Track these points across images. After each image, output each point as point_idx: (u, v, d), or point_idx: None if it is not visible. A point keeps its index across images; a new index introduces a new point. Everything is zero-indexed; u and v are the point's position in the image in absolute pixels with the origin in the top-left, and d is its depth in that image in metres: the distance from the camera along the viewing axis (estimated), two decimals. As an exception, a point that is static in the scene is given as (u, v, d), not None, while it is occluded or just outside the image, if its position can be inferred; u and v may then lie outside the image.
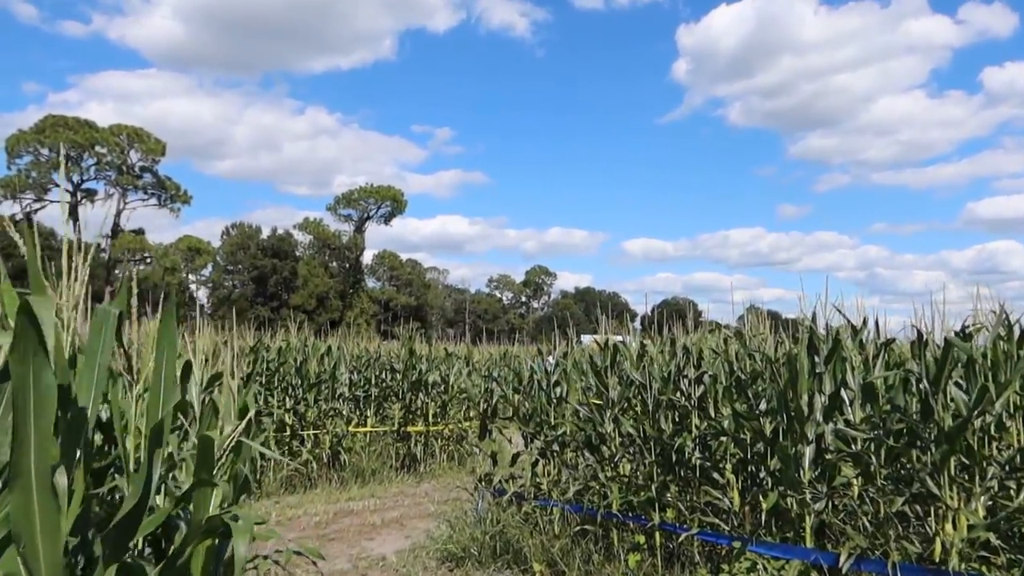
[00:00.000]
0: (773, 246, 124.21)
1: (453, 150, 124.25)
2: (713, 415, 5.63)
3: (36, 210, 55.22)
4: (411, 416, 11.61)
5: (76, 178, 54.72)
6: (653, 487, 5.63)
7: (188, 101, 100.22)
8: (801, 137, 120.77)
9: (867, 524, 4.61)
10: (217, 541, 2.31)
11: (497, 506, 6.64)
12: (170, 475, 2.83)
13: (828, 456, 4.82)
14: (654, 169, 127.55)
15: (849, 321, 5.56)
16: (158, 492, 2.43)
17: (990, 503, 4.39)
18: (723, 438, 5.44)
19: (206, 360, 4.03)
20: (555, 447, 6.67)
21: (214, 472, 2.21)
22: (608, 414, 6.15)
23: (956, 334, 4.67)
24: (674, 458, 5.71)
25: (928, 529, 4.54)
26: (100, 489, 2.35)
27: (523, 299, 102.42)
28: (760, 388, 5.46)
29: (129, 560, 1.88)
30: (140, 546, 2.44)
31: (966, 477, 4.53)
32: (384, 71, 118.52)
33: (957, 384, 4.57)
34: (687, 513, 5.43)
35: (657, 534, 5.54)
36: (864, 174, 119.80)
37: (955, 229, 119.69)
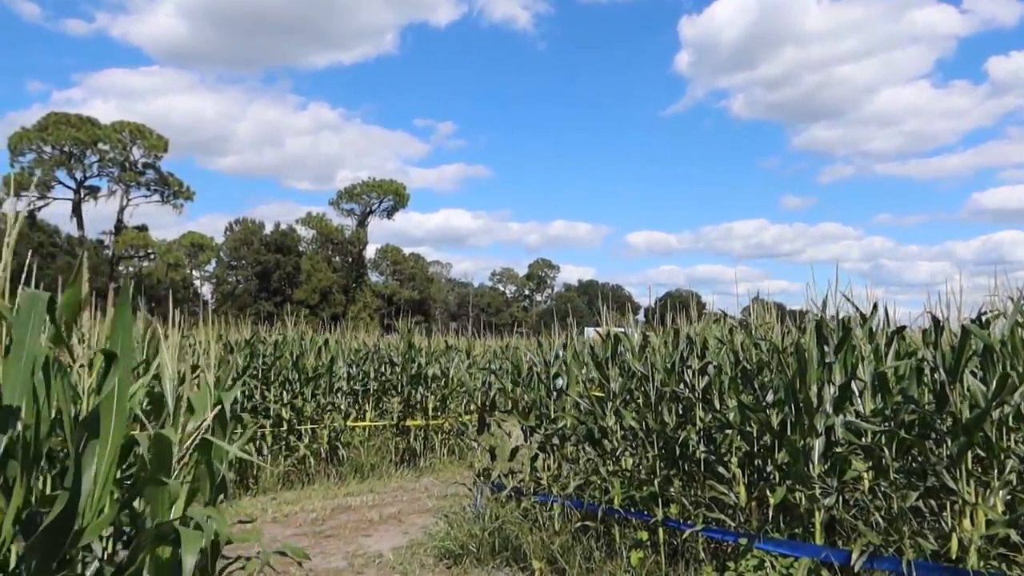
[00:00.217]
0: (777, 238, 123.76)
1: (456, 144, 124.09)
2: (718, 407, 5.43)
3: (40, 208, 55.21)
4: (410, 410, 11.43)
5: (79, 175, 54.63)
6: (656, 482, 5.44)
7: (191, 98, 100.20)
8: (804, 128, 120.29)
9: (880, 520, 4.42)
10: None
11: (496, 502, 6.47)
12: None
13: (838, 449, 4.62)
14: (657, 161, 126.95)
15: (859, 309, 5.35)
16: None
17: (1009, 497, 4.19)
18: (728, 431, 5.24)
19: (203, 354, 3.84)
20: (555, 441, 6.49)
21: (176, 472, 2.02)
22: (609, 407, 5.96)
23: (972, 322, 4.46)
24: (678, 452, 5.52)
25: (944, 525, 4.34)
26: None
27: (526, 292, 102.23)
28: (767, 379, 5.27)
29: (67, 572, 1.69)
30: (102, 554, 2.25)
31: (980, 470, 4.34)
32: (386, 66, 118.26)
33: (973, 374, 4.37)
34: (691, 509, 5.23)
35: (660, 530, 5.35)
36: (868, 165, 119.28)
37: (960, 220, 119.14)
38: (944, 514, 4.36)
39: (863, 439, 4.56)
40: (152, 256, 61.14)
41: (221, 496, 3.26)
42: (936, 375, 4.43)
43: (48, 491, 1.95)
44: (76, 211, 55.05)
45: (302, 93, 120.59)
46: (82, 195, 54.95)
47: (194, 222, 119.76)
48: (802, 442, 4.65)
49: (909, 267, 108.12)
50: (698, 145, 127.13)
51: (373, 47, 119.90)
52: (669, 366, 5.76)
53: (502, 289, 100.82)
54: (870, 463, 4.58)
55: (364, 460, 10.27)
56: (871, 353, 5.11)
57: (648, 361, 5.86)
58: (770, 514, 4.82)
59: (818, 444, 4.65)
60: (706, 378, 5.52)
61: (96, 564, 1.92)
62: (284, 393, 9.99)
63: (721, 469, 5.23)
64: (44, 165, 52.27)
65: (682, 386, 5.62)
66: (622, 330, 6.59)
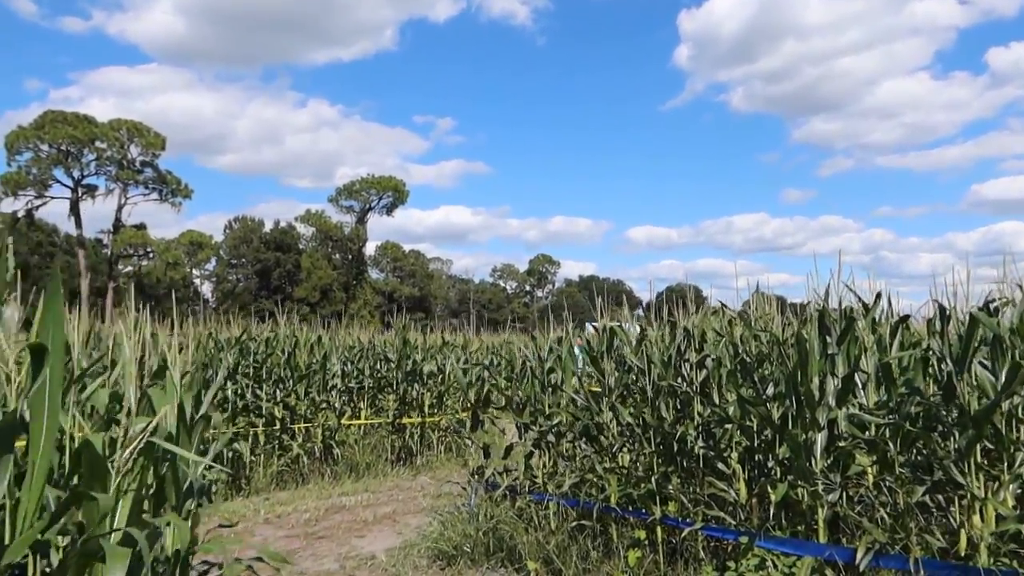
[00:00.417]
0: (777, 231, 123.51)
1: (455, 140, 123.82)
2: (717, 401, 5.26)
3: (38, 207, 55.06)
4: (406, 407, 11.26)
5: (76, 174, 54.44)
6: (654, 479, 5.27)
7: (189, 96, 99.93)
8: (804, 122, 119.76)
9: (885, 516, 4.25)
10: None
11: (490, 501, 6.31)
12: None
13: (841, 443, 4.46)
14: (657, 156, 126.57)
15: (861, 299, 5.18)
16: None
17: (1020, 492, 4.03)
18: (728, 425, 5.07)
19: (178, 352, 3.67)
20: (550, 437, 6.32)
21: (118, 479, 1.86)
22: (605, 402, 5.79)
23: (980, 310, 4.28)
24: (676, 448, 5.35)
25: (952, 521, 4.18)
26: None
27: (527, 288, 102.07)
28: (767, 371, 5.10)
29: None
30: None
31: (987, 463, 4.17)
32: (385, 62, 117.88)
33: (981, 364, 4.20)
34: (690, 506, 5.06)
35: (659, 529, 5.19)
36: (868, 158, 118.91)
37: (961, 211, 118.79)
38: (952, 509, 4.19)
39: (867, 432, 4.39)
40: (151, 255, 61.00)
41: (191, 502, 3.09)
42: (943, 365, 4.27)
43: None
44: (74, 210, 54.89)
45: (301, 90, 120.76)
46: (80, 194, 54.78)
47: (194, 221, 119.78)
48: (804, 436, 4.48)
49: (910, 259, 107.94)
50: (698, 139, 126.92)
51: (372, 43, 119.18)
52: (666, 359, 5.59)
53: (503, 285, 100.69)
54: (874, 457, 4.42)
55: (359, 459, 10.10)
56: (874, 344, 4.95)
57: (644, 355, 5.69)
58: (771, 511, 4.66)
59: (820, 438, 4.48)
60: (704, 371, 5.35)
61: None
62: (277, 391, 9.82)
63: (720, 465, 5.06)
64: (41, 164, 52.10)
65: (679, 380, 5.45)
66: (617, 324, 6.43)
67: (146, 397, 2.70)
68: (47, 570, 1.81)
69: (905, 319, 4.93)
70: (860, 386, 4.79)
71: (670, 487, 5.24)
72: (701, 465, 5.26)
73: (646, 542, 5.25)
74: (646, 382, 5.64)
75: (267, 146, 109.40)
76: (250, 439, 9.35)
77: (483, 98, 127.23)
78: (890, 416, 4.31)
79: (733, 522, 4.78)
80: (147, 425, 1.95)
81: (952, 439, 4.10)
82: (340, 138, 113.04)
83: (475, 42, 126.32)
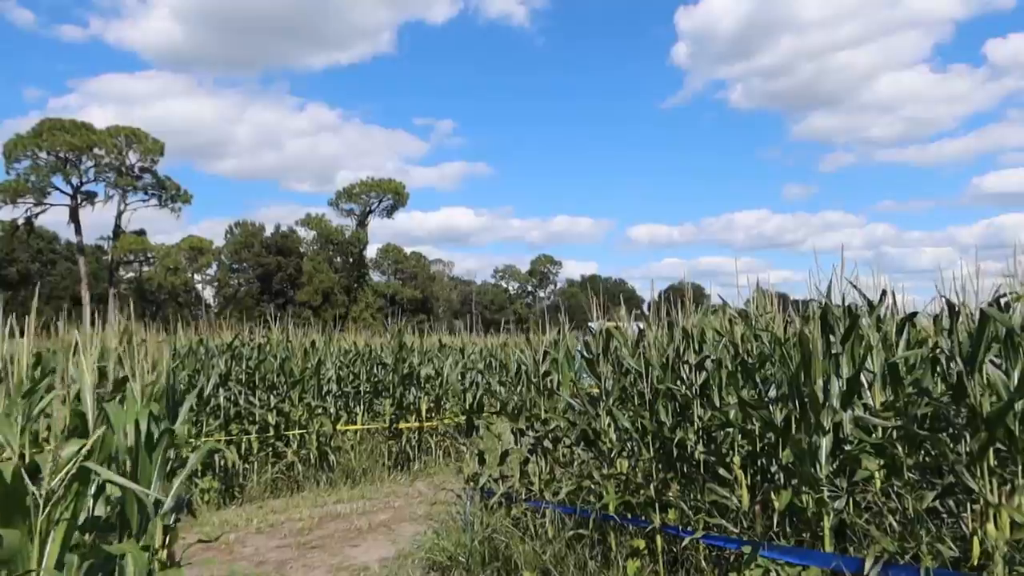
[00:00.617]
0: (779, 228, 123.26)
1: (455, 142, 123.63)
2: (717, 404, 5.07)
3: (37, 214, 55.00)
4: (403, 412, 11.06)
5: (75, 181, 54.35)
6: (653, 485, 5.09)
7: (188, 101, 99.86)
8: (804, 117, 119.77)
9: (894, 524, 4.06)
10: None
11: (486, 509, 6.12)
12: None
13: (847, 447, 4.26)
14: (657, 154, 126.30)
15: (865, 296, 4.99)
16: None
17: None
18: (729, 429, 4.89)
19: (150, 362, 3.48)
20: (547, 443, 6.13)
21: (47, 508, 1.67)
22: (602, 406, 5.60)
23: (990, 305, 4.09)
24: (675, 453, 5.16)
25: (964, 528, 3.98)
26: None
27: (529, 288, 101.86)
28: (769, 373, 4.91)
29: None
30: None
31: (996, 464, 3.98)
32: (384, 65, 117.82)
33: (992, 362, 4.00)
34: (691, 514, 4.87)
35: (658, 538, 5.00)
36: (869, 152, 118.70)
37: (962, 205, 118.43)
38: (964, 516, 4.00)
39: (873, 436, 4.20)
40: (151, 261, 60.94)
41: (160, 520, 2.91)
42: (952, 365, 4.08)
43: None
44: (74, 217, 54.81)
45: (300, 94, 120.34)
46: (79, 201, 54.71)
47: (196, 226, 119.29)
48: (808, 440, 4.29)
49: (912, 254, 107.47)
50: (698, 137, 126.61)
51: (370, 46, 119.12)
52: (665, 361, 5.40)
53: (505, 286, 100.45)
54: (882, 462, 4.23)
55: (355, 465, 9.92)
56: (879, 342, 4.76)
57: (641, 357, 5.50)
58: (775, 519, 4.47)
59: (825, 442, 4.29)
60: (704, 373, 5.16)
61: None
62: (270, 397, 9.64)
63: (722, 471, 4.86)
64: (40, 171, 52.03)
65: (678, 383, 5.26)
66: (614, 325, 6.24)
67: (103, 412, 2.52)
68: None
69: (912, 316, 4.74)
70: (866, 387, 4.61)
71: (670, 494, 5.05)
72: (702, 471, 5.07)
73: (646, 551, 5.06)
74: (644, 385, 5.45)
75: (267, 151, 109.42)
76: (243, 446, 9.17)
77: (483, 99, 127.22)
78: (898, 418, 4.12)
79: (736, 530, 4.60)
80: (80, 448, 1.78)
81: (963, 442, 3.91)
82: (340, 142, 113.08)
83: (473, 43, 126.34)
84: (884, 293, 5.01)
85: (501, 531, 5.77)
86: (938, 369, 4.37)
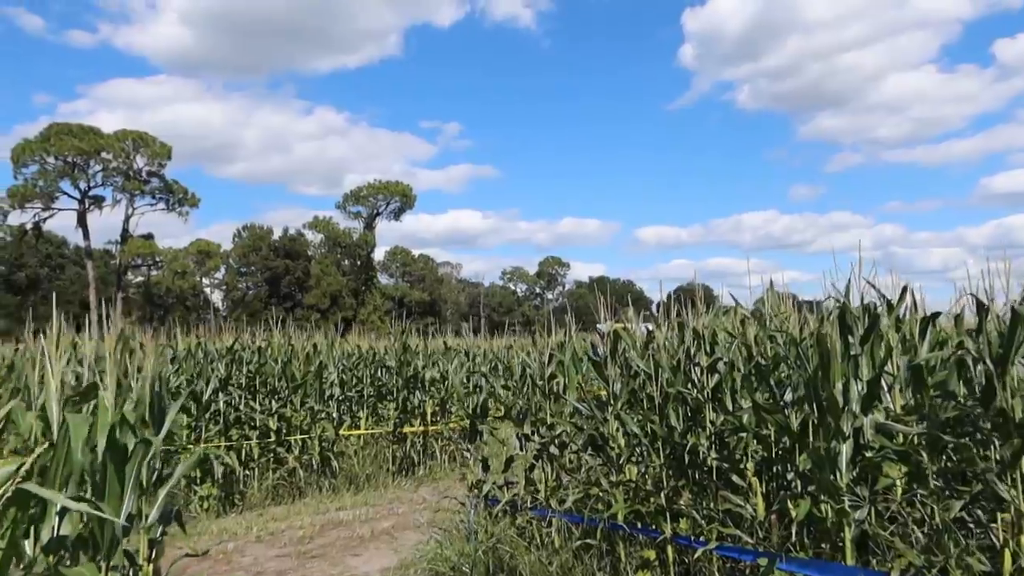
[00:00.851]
0: (787, 228, 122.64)
1: (462, 144, 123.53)
2: (730, 408, 4.86)
3: (45, 219, 55.15)
4: (407, 416, 10.86)
5: (83, 185, 54.48)
6: (663, 493, 4.87)
7: (197, 106, 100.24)
8: (811, 118, 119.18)
9: (920, 536, 3.83)
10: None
11: (490, 517, 5.91)
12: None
13: (868, 454, 4.04)
14: (664, 156, 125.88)
15: (883, 296, 4.77)
16: None
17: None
18: (743, 435, 4.67)
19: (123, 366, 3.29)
20: (553, 449, 5.92)
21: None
22: (610, 410, 5.39)
23: (1020, 303, 3.87)
24: (687, 459, 4.94)
25: (994, 540, 3.75)
26: None
27: (537, 290, 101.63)
28: (784, 375, 4.69)
29: None
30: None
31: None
32: (391, 68, 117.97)
33: (1023, 364, 3.78)
34: (703, 524, 4.65)
35: (669, 548, 4.78)
36: (876, 152, 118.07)
37: (971, 205, 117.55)
38: (994, 527, 3.77)
39: (895, 441, 3.98)
40: (160, 265, 61.02)
41: (125, 540, 2.73)
42: (979, 366, 3.86)
43: None
44: (81, 221, 54.95)
45: (307, 98, 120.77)
46: (87, 205, 54.83)
47: (205, 230, 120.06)
48: (827, 447, 4.06)
49: (921, 254, 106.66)
50: (705, 138, 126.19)
51: (377, 50, 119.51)
52: (675, 364, 5.19)
53: (513, 288, 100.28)
54: (905, 469, 4.01)
55: (359, 470, 9.73)
56: (899, 343, 4.54)
57: (651, 359, 5.29)
58: (793, 529, 4.24)
59: (845, 448, 4.06)
60: (716, 376, 4.95)
61: None
62: (271, 402, 9.46)
63: (736, 478, 4.64)
64: (48, 176, 52.16)
65: (689, 386, 5.05)
66: (622, 326, 6.03)
67: (65, 424, 2.33)
68: None
69: (935, 316, 4.52)
70: (887, 390, 4.39)
71: (681, 502, 4.84)
72: (714, 478, 4.86)
73: (656, 563, 4.84)
74: (654, 388, 5.24)
75: (275, 154, 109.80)
76: (243, 452, 8.99)
77: (490, 102, 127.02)
78: (922, 423, 3.90)
79: (751, 541, 4.38)
80: (19, 467, 1.59)
81: (992, 448, 3.69)
82: (347, 145, 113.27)
83: (480, 46, 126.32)
84: (904, 292, 4.79)
85: (506, 540, 5.57)
86: (966, 371, 4.14)
